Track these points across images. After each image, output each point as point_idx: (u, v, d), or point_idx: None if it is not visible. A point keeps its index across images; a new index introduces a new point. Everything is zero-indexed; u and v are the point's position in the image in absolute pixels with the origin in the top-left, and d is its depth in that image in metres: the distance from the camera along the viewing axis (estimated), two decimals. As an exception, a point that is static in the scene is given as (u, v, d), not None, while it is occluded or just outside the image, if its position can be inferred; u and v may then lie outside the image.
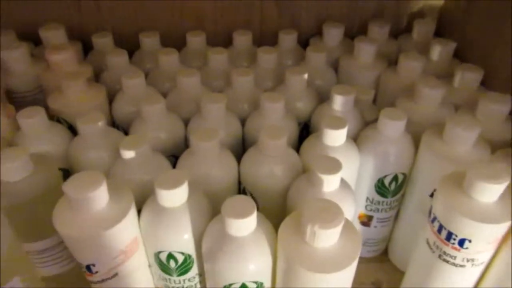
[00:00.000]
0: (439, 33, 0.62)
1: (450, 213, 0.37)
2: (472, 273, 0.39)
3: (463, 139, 0.41)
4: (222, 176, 0.43)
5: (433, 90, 0.46)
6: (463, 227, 0.36)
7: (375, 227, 0.51)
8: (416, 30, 0.60)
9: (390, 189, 0.47)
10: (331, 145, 0.43)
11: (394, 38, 0.62)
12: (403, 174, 0.46)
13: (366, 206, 0.49)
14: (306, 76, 0.51)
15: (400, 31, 0.63)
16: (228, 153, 0.44)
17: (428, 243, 0.40)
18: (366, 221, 0.51)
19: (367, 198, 0.49)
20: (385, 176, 0.46)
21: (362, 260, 0.55)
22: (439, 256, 0.39)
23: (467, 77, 0.49)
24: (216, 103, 0.46)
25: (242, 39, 0.59)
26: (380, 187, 0.47)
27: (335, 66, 0.58)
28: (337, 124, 0.42)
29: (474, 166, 0.36)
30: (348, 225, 0.34)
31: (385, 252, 0.56)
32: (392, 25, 0.60)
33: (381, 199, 0.48)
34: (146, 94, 0.50)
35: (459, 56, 0.57)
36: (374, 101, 0.54)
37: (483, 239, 0.36)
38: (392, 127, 0.44)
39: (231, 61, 0.57)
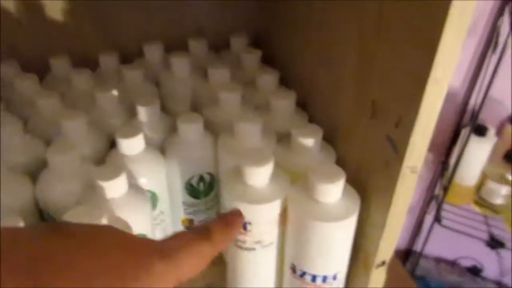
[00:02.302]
0: (256, 44, 0.67)
1: (230, 200, 0.40)
2: (266, 254, 0.42)
3: (249, 133, 0.45)
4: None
5: (230, 93, 0.50)
6: (242, 212, 0.39)
7: (199, 229, 0.53)
8: (232, 44, 0.65)
9: (200, 190, 0.49)
10: (128, 154, 0.44)
11: (216, 53, 0.66)
12: (209, 174, 0.49)
13: (184, 210, 0.51)
14: (114, 92, 0.52)
15: (221, 46, 0.68)
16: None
17: (228, 233, 0.43)
18: (189, 225, 0.52)
19: (183, 202, 0.50)
20: (191, 177, 0.48)
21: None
22: (235, 243, 0.42)
23: (265, 80, 0.54)
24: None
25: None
26: (190, 189, 0.49)
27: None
28: (131, 133, 0.44)
29: (245, 154, 0.39)
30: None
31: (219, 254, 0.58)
32: (212, 41, 0.65)
33: (194, 201, 0.50)
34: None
35: (269, 63, 0.62)
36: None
37: (261, 220, 0.39)
38: (188, 131, 0.47)
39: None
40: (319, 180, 0.37)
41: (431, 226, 1.15)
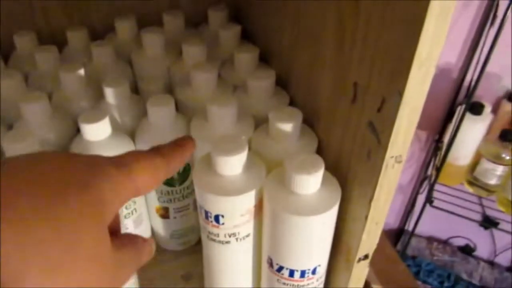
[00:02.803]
0: (236, 18, 0.63)
1: (201, 193, 0.37)
2: (241, 247, 0.40)
3: (222, 117, 0.41)
4: None
5: (204, 73, 0.46)
6: (212, 203, 0.36)
7: (175, 217, 0.50)
8: (210, 18, 0.60)
9: (174, 177, 0.46)
10: (93, 140, 0.41)
11: (194, 28, 0.62)
12: (183, 160, 0.45)
13: (158, 198, 0.48)
14: (82, 71, 0.48)
15: (199, 21, 0.63)
16: None
17: (202, 228, 0.40)
18: (164, 213, 0.49)
19: (156, 190, 0.47)
20: (163, 165, 0.45)
21: (173, 254, 0.54)
22: (207, 236, 0.39)
23: (243, 58, 0.50)
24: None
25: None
26: (163, 177, 0.46)
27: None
28: (96, 117, 0.40)
29: (217, 142, 0.36)
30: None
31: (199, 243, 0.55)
32: (189, 15, 0.60)
33: (169, 188, 0.47)
34: None
35: (250, 38, 0.58)
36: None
37: (234, 213, 0.36)
38: (159, 114, 0.43)
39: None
40: (296, 171, 0.33)
41: (423, 207, 1.13)
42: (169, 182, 0.46)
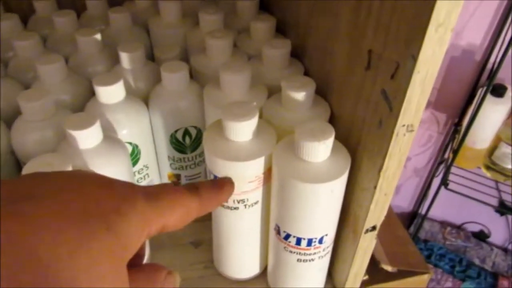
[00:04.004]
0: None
1: (210, 157, 0.37)
2: (250, 214, 0.40)
3: (235, 85, 0.41)
4: None
5: (219, 40, 0.46)
6: (220, 168, 0.36)
7: (186, 185, 0.50)
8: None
9: (186, 144, 0.46)
10: (107, 103, 0.41)
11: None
12: (195, 127, 0.46)
13: (170, 165, 0.49)
14: (98, 36, 0.49)
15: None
16: None
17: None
18: (176, 181, 0.50)
19: (169, 157, 0.48)
20: (176, 131, 0.45)
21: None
22: (216, 202, 0.40)
23: (260, 28, 0.50)
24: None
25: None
26: (176, 143, 0.46)
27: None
28: (110, 80, 0.41)
29: (229, 107, 0.36)
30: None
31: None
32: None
33: (181, 155, 0.47)
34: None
35: (267, 9, 0.57)
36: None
37: (243, 179, 0.37)
38: (172, 80, 0.43)
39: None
40: (305, 138, 0.33)
41: (438, 190, 1.12)
42: (180, 149, 0.47)
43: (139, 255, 0.23)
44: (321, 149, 0.33)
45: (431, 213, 1.30)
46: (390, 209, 0.78)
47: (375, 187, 0.34)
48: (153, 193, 0.21)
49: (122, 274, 0.19)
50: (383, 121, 0.31)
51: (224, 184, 0.27)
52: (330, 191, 0.35)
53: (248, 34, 0.52)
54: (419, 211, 1.35)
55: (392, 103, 0.30)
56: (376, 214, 0.36)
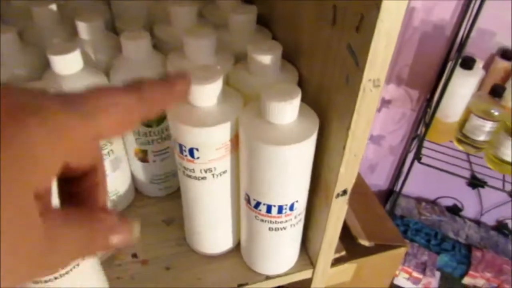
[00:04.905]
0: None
1: (174, 125, 0.35)
2: (218, 184, 0.39)
3: (199, 50, 0.40)
4: None
5: (182, 7, 0.44)
6: (185, 135, 0.35)
7: (154, 161, 0.49)
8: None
9: (151, 117, 0.45)
10: (64, 74, 0.39)
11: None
12: (160, 99, 0.44)
13: (136, 140, 0.47)
14: (54, 7, 0.46)
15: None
16: None
17: (178, 164, 0.39)
18: (143, 157, 0.48)
19: (134, 132, 0.46)
20: (140, 103, 0.43)
21: (153, 199, 0.53)
22: (183, 172, 0.38)
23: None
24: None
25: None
26: (140, 116, 0.44)
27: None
28: (66, 49, 0.39)
29: (192, 72, 0.34)
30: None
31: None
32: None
33: (146, 129, 0.45)
34: None
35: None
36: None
37: (209, 146, 0.35)
38: (133, 49, 0.41)
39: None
40: (271, 99, 0.32)
41: (411, 165, 1.13)
42: (145, 123, 0.45)
43: (87, 181, 0.20)
44: (288, 110, 0.32)
45: (407, 190, 1.31)
46: (367, 187, 0.79)
47: (344, 148, 0.33)
48: (74, 97, 0.18)
49: (23, 200, 0.15)
50: (350, 77, 0.30)
51: (175, 79, 0.22)
52: (299, 154, 0.34)
53: (215, 5, 0.50)
54: (395, 188, 1.37)
55: (358, 57, 0.29)
56: (346, 177, 0.36)
